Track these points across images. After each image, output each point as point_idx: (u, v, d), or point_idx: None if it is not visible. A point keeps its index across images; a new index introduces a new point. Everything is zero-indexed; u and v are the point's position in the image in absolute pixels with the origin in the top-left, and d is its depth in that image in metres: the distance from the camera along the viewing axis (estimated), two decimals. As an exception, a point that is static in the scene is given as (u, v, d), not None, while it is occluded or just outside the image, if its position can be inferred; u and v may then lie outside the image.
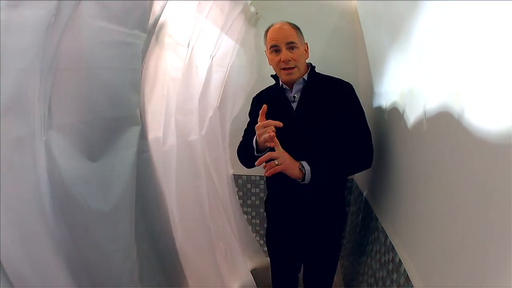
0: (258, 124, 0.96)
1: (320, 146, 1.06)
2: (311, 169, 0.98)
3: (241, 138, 1.26)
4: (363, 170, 1.16)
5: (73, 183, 0.60)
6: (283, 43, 1.03)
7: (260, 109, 1.15)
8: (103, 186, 0.67)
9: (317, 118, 1.07)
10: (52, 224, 0.58)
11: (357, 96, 1.12)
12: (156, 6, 0.80)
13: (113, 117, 0.70)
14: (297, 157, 1.00)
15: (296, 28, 1.09)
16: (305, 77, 1.12)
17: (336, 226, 1.22)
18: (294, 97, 1.12)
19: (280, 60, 1.04)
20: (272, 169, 0.92)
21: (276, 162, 0.92)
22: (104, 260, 0.68)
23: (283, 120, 1.05)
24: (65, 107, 0.59)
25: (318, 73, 1.17)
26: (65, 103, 0.59)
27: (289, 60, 1.03)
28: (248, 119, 1.27)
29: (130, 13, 0.68)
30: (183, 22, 1.05)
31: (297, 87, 1.12)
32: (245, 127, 1.27)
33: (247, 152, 1.11)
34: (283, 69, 1.06)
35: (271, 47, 1.06)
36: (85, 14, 0.58)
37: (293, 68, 1.05)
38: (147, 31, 0.77)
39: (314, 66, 1.17)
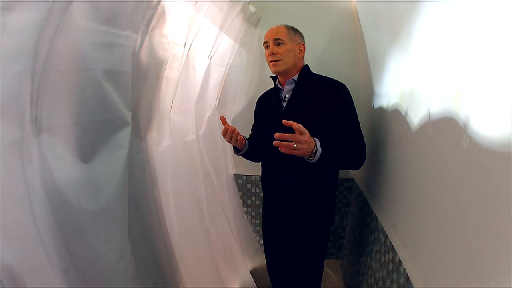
0: (226, 139, 1.16)
1: None
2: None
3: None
4: (352, 169, 1.15)
5: (65, 184, 0.60)
6: (271, 40, 1.14)
7: (261, 110, 1.33)
8: (95, 187, 0.67)
9: (305, 116, 1.07)
10: (44, 225, 0.58)
11: (350, 97, 1.13)
12: (150, 6, 0.79)
13: (104, 119, 0.70)
14: (284, 156, 1.01)
15: (289, 28, 1.16)
16: (295, 77, 1.17)
17: (322, 226, 1.23)
18: (285, 96, 1.19)
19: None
20: (287, 150, 0.89)
21: (295, 146, 0.89)
22: (97, 261, 0.68)
23: (272, 119, 1.20)
24: (56, 109, 0.59)
25: (313, 74, 1.19)
26: (56, 105, 0.59)
27: (274, 54, 1.13)
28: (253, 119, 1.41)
29: (122, 14, 0.68)
30: (179, 21, 1.04)
31: (288, 87, 1.19)
32: (247, 126, 1.39)
33: (248, 151, 1.28)
34: (271, 61, 1.15)
35: (264, 43, 1.18)
36: (77, 16, 0.58)
37: (278, 60, 1.14)
38: (140, 31, 0.76)
39: (307, 66, 1.20)
